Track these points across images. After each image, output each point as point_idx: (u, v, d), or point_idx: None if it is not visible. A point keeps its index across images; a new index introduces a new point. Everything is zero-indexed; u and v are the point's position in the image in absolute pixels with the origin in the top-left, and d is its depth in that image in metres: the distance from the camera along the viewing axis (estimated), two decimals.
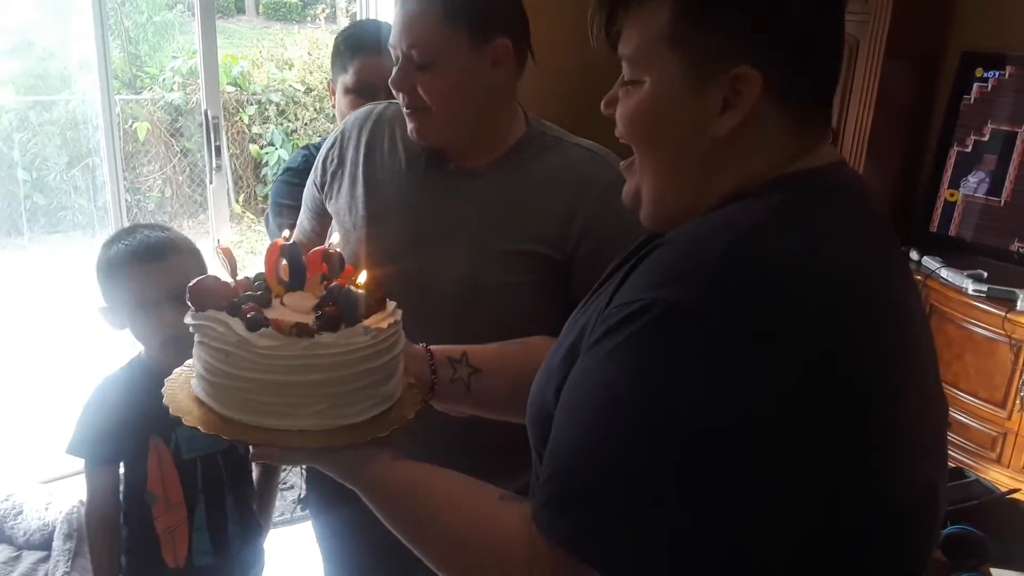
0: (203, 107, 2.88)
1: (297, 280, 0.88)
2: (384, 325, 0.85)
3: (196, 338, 0.86)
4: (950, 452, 2.68)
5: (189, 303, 0.85)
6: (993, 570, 1.47)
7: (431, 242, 1.22)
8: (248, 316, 0.81)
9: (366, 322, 0.84)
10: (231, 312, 0.82)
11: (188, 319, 0.86)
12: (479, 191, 1.23)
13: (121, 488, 1.51)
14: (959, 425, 2.70)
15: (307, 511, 1.58)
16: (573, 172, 1.22)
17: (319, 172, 1.37)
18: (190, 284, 0.86)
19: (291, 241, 0.89)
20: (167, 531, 1.49)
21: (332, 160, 1.34)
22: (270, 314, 0.83)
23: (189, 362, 0.91)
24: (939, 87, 3.08)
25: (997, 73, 2.89)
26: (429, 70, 1.17)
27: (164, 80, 6.27)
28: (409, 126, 1.23)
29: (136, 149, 5.89)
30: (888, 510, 0.67)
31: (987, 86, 2.91)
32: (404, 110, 1.23)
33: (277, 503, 2.52)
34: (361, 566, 1.47)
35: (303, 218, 1.47)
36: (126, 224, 2.91)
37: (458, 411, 1.09)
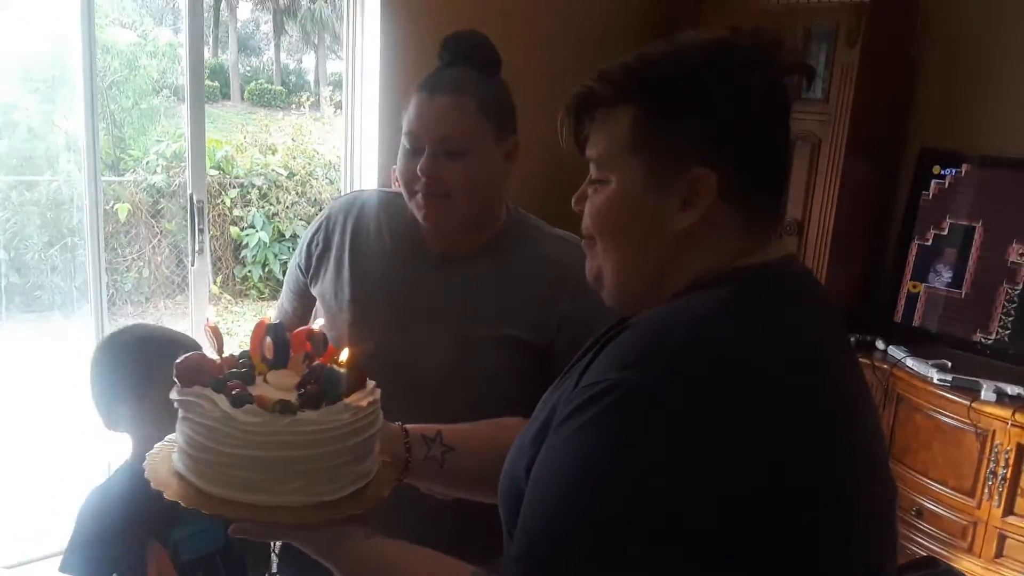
0: (188, 190, 2.93)
1: (281, 358, 0.91)
2: (364, 403, 0.88)
3: (180, 414, 0.88)
4: (922, 541, 2.69)
5: (175, 379, 0.88)
6: None
7: (415, 327, 1.26)
8: (233, 392, 0.84)
9: (347, 400, 0.87)
10: (216, 388, 0.85)
11: (173, 395, 0.88)
12: (462, 277, 1.28)
13: None
14: (930, 514, 2.71)
15: None
16: (552, 261, 1.28)
17: (303, 256, 1.41)
18: (177, 360, 0.89)
19: (276, 321, 0.92)
20: None
21: (317, 244, 1.38)
22: (254, 391, 0.85)
23: (171, 437, 0.92)
24: (899, 183, 3.21)
25: (954, 170, 3.02)
26: (460, 159, 1.22)
27: (148, 163, 6.37)
28: (421, 212, 1.26)
29: (116, 230, 5.93)
30: None
31: (944, 183, 3.04)
32: (417, 198, 1.26)
33: None
34: None
35: (284, 300, 1.49)
36: (104, 304, 2.92)
37: (432, 490, 1.10)
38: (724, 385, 0.67)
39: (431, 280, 1.29)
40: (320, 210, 1.47)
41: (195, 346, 1.47)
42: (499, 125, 1.25)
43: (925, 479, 2.71)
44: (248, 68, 14.48)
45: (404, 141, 1.27)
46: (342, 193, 1.55)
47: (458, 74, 1.25)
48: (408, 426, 1.08)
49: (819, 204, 3.01)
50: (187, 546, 1.47)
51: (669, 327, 0.73)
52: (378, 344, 1.12)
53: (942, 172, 3.05)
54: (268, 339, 0.91)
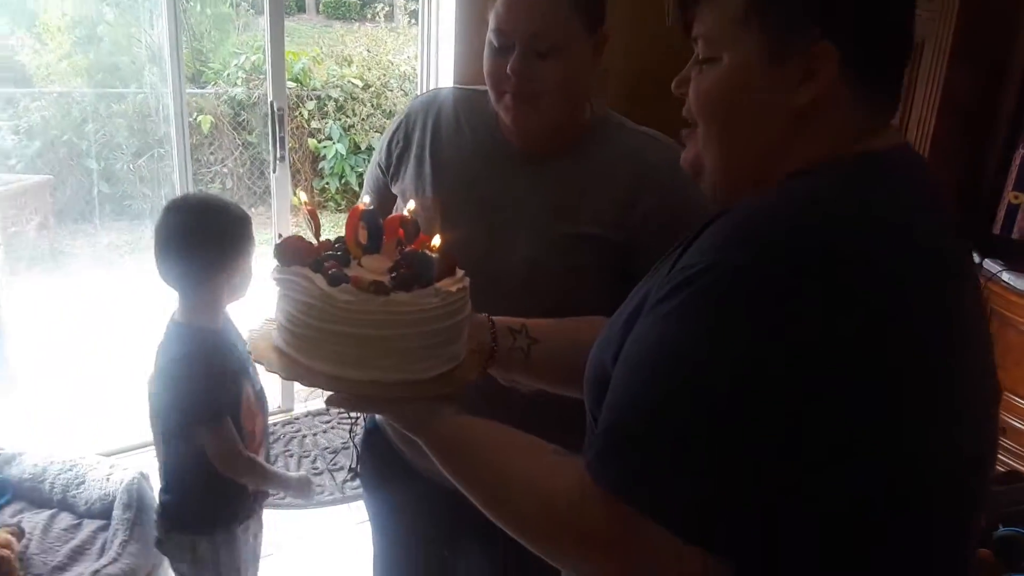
0: (269, 99, 2.96)
1: (374, 244, 0.94)
2: (453, 289, 0.90)
3: (279, 292, 0.91)
4: (1005, 458, 2.63)
5: (276, 258, 0.91)
6: None
7: (496, 223, 1.26)
8: (330, 272, 0.86)
9: (437, 284, 0.89)
10: (315, 268, 0.88)
11: (274, 273, 0.91)
12: (544, 176, 1.26)
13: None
14: (1014, 431, 2.64)
15: (359, 488, 1.63)
16: (636, 157, 1.25)
17: (384, 154, 1.41)
18: (277, 242, 0.92)
19: (371, 207, 0.94)
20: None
21: (398, 142, 1.38)
22: (350, 273, 0.88)
23: (269, 316, 0.96)
24: (1005, 88, 3.01)
25: None
26: (551, 57, 1.18)
27: (228, 75, 6.44)
28: (509, 114, 1.23)
29: (200, 141, 6.06)
30: (935, 473, 0.68)
31: None
32: (506, 99, 1.22)
33: (328, 482, 2.68)
34: (411, 540, 1.51)
35: (365, 198, 1.50)
36: None
37: (515, 382, 1.12)
38: (830, 272, 0.65)
39: (512, 177, 1.28)
40: None
41: (243, 215, 1.72)
42: (590, 18, 1.20)
43: (1015, 397, 2.63)
44: None
45: (491, 38, 1.22)
46: None
47: None
48: (495, 317, 1.09)
49: (919, 107, 2.86)
50: (255, 379, 1.77)
51: (773, 210, 0.70)
52: (458, 239, 1.12)
53: None
54: (362, 225, 0.93)
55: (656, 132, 1.29)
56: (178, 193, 2.98)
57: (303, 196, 1.00)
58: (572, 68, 1.20)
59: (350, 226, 0.94)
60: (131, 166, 5.32)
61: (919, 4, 2.50)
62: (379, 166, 1.43)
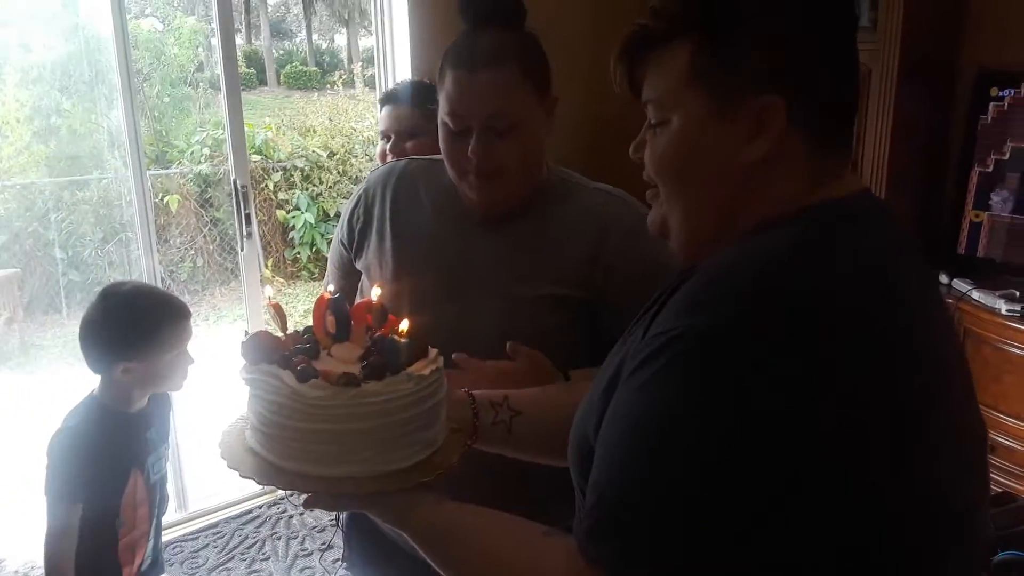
0: (232, 177, 2.95)
1: (343, 332, 0.92)
2: (427, 372, 0.88)
3: (249, 391, 0.89)
4: (995, 476, 2.62)
5: (243, 357, 0.89)
6: None
7: (464, 293, 1.24)
8: (298, 368, 0.85)
9: (409, 369, 0.87)
10: (282, 365, 0.86)
11: (242, 373, 0.89)
12: (504, 239, 1.25)
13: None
14: (1003, 448, 2.63)
15: (348, 571, 1.58)
16: (594, 214, 1.24)
17: (345, 231, 1.39)
18: (243, 340, 0.90)
19: (337, 295, 0.93)
20: (128, 548, 1.73)
21: (358, 218, 1.36)
22: (319, 365, 0.87)
23: (241, 414, 0.94)
24: (955, 108, 3.08)
25: (1012, 91, 2.88)
26: (511, 134, 1.18)
27: (192, 153, 6.47)
28: (475, 193, 1.23)
29: (168, 221, 6.05)
30: (925, 534, 0.66)
31: (1003, 104, 2.91)
32: (469, 179, 1.22)
33: (317, 563, 2.65)
34: None
35: (329, 279, 1.48)
36: None
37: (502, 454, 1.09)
38: (798, 330, 0.64)
39: (474, 244, 1.27)
40: None
41: (182, 306, 1.77)
42: (540, 86, 1.20)
43: (997, 413, 2.63)
44: (282, 52, 14.55)
45: (446, 120, 1.21)
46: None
47: (493, 40, 1.18)
48: (475, 392, 1.07)
49: (872, 136, 2.91)
50: (155, 469, 1.80)
51: (739, 270, 0.70)
52: (428, 312, 1.11)
53: (1000, 93, 2.91)
54: (330, 314, 0.92)
55: (612, 188, 1.29)
56: (147, 277, 2.95)
57: (268, 291, 1.00)
58: (530, 140, 1.20)
59: (317, 316, 0.93)
60: (99, 252, 5.28)
61: (862, 38, 2.55)
62: (342, 243, 1.41)
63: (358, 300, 1.04)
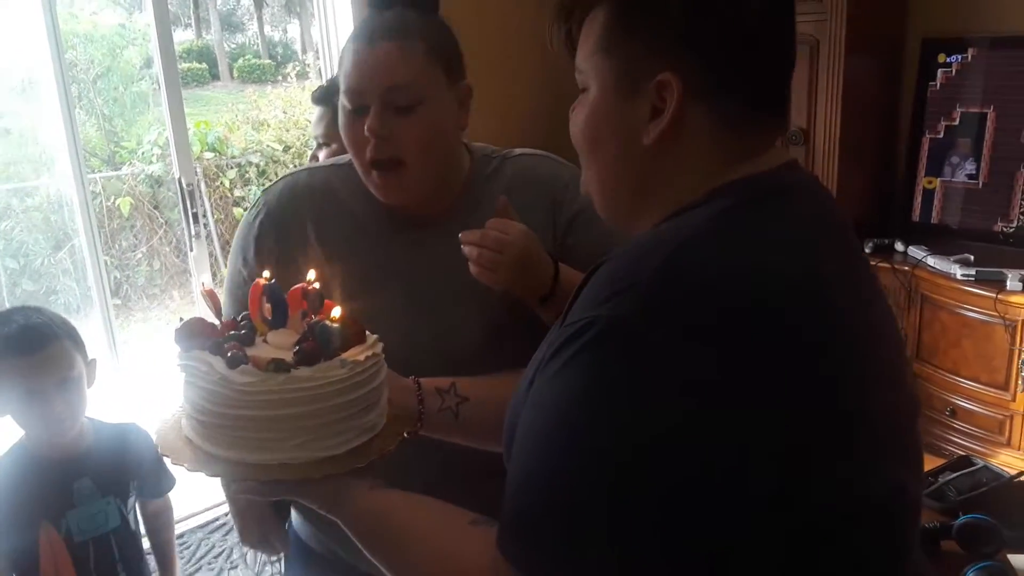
0: (177, 176, 2.88)
1: (279, 318, 0.91)
2: (362, 357, 0.87)
3: (184, 378, 0.88)
4: (956, 440, 2.65)
5: (176, 344, 0.88)
6: (1010, 556, 1.44)
7: (431, 305, 1.14)
8: (229, 355, 0.84)
9: (345, 355, 0.86)
10: (213, 351, 0.85)
11: (177, 360, 0.88)
12: (446, 240, 1.14)
13: None
14: (963, 412, 2.67)
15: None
16: (532, 180, 1.20)
17: (254, 262, 1.19)
18: (177, 326, 0.89)
19: (272, 281, 0.91)
20: None
21: (268, 250, 1.18)
22: (252, 352, 0.86)
23: (179, 404, 0.93)
24: (903, 77, 3.10)
25: (959, 57, 2.90)
26: (413, 112, 1.08)
27: (143, 153, 6.33)
28: (375, 185, 1.13)
29: (121, 225, 5.92)
30: (847, 511, 0.65)
31: (951, 71, 2.93)
32: (368, 169, 1.11)
33: (268, 572, 2.48)
34: None
35: (230, 312, 1.22)
36: (108, 302, 2.91)
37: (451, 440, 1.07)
38: (703, 313, 0.62)
39: (425, 249, 1.17)
40: None
41: (64, 329, 1.47)
42: (449, 69, 1.12)
43: (956, 378, 2.66)
44: (234, 45, 14.29)
45: (344, 101, 1.11)
46: None
47: (397, 16, 1.10)
48: (422, 379, 1.05)
49: (823, 109, 2.92)
50: (81, 527, 1.51)
51: (644, 257, 0.68)
52: (393, 332, 0.99)
53: (947, 60, 2.94)
54: (266, 300, 0.91)
55: (537, 151, 1.25)
56: (95, 284, 2.88)
57: (204, 279, 0.97)
58: (436, 121, 1.10)
59: (253, 302, 0.91)
60: (51, 260, 5.15)
61: (808, 9, 2.54)
62: (245, 278, 1.20)
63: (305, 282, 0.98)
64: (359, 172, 1.14)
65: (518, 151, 1.25)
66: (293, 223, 1.17)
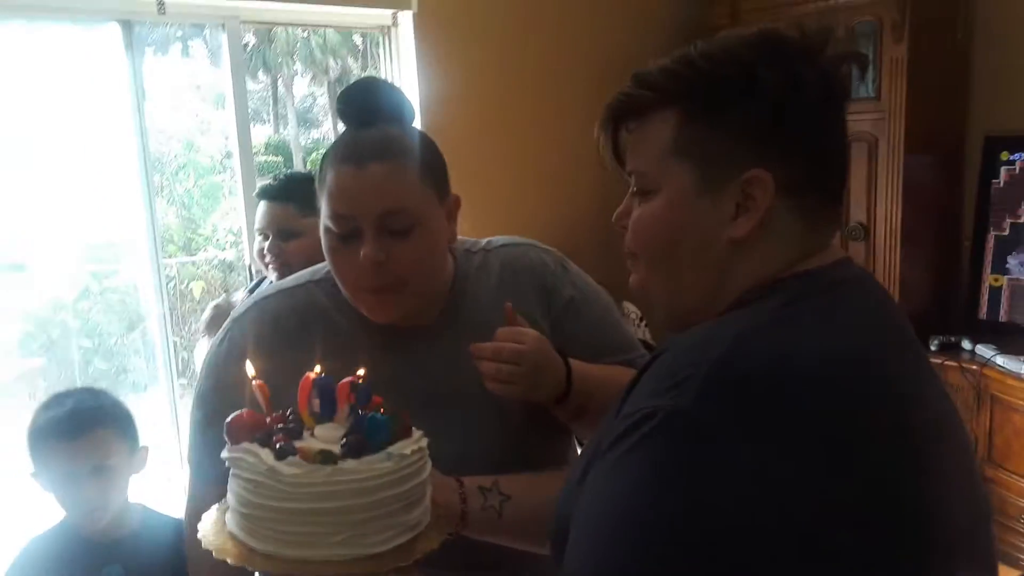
0: (246, 262, 3.00)
1: (328, 412, 0.91)
2: (408, 451, 0.86)
3: (231, 471, 0.88)
4: None
5: (225, 437, 0.88)
6: None
7: (444, 417, 1.05)
8: (277, 446, 0.84)
9: (390, 448, 0.85)
10: (262, 443, 0.85)
11: (224, 453, 0.89)
12: (453, 342, 1.10)
13: None
14: None
15: None
16: (521, 269, 1.17)
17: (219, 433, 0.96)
18: (227, 419, 0.89)
19: (323, 375, 0.92)
20: None
21: (243, 393, 1.01)
22: (300, 444, 0.86)
23: (227, 498, 0.92)
24: (965, 174, 3.07)
25: (1022, 155, 2.87)
26: (410, 234, 1.03)
27: (217, 240, 6.61)
28: (368, 307, 1.08)
29: (192, 307, 6.14)
30: None
31: (1015, 168, 2.90)
32: (364, 296, 1.07)
33: None
34: None
35: (203, 489, 1.10)
36: (175, 382, 3.00)
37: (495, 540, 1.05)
38: (762, 408, 0.62)
39: (426, 357, 1.12)
40: None
41: (114, 415, 1.47)
42: (438, 184, 1.08)
43: None
44: (309, 141, 14.96)
45: (330, 224, 1.04)
46: None
47: (381, 134, 1.05)
48: (464, 478, 1.04)
49: (883, 205, 2.90)
50: None
51: (707, 346, 0.68)
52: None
53: (1011, 158, 2.91)
54: (315, 394, 0.91)
55: (514, 239, 1.22)
56: (163, 365, 2.98)
57: (250, 370, 0.95)
58: (432, 244, 1.06)
59: (302, 396, 0.91)
60: (125, 340, 5.36)
61: (866, 108, 2.57)
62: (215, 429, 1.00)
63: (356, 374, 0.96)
64: (345, 293, 1.09)
65: (499, 241, 1.21)
66: (268, 354, 1.05)
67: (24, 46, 4.71)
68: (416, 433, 0.90)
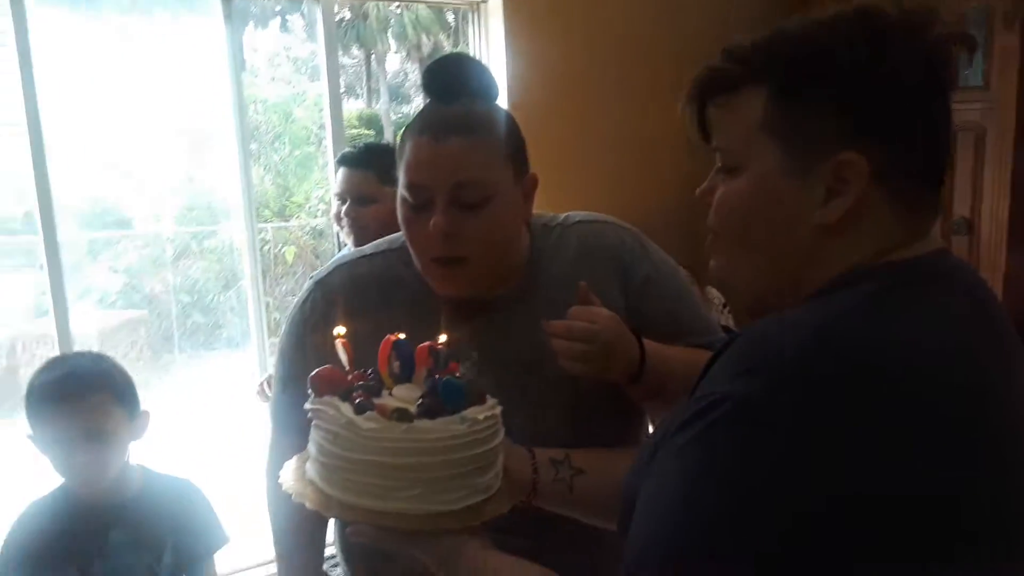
0: (335, 229, 3.09)
1: (407, 373, 0.94)
2: (481, 416, 0.88)
3: (313, 422, 0.92)
4: None
5: (309, 389, 0.93)
6: None
7: (508, 387, 1.02)
8: (356, 401, 0.88)
9: (464, 412, 0.88)
10: (343, 398, 0.89)
11: (307, 404, 0.93)
12: (528, 317, 1.09)
13: None
14: None
15: None
16: (598, 247, 1.16)
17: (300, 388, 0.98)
18: (312, 373, 0.93)
19: (402, 338, 0.95)
20: None
21: (320, 353, 1.04)
22: (378, 401, 0.89)
23: (308, 448, 0.96)
24: None
25: None
26: (481, 209, 1.04)
27: (310, 208, 6.81)
28: (435, 278, 1.09)
29: (284, 271, 6.36)
30: None
31: None
32: (429, 262, 1.08)
33: None
34: None
35: (283, 443, 1.16)
36: (265, 340, 3.13)
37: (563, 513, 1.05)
38: (845, 398, 0.60)
39: (500, 335, 1.12)
40: None
41: (111, 381, 1.46)
42: (516, 162, 1.08)
43: None
44: (400, 115, 15.16)
45: (405, 194, 1.07)
46: None
47: (464, 109, 1.06)
48: (536, 449, 1.04)
49: (990, 199, 2.77)
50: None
51: (784, 335, 0.66)
52: None
53: None
54: (395, 356, 0.94)
55: (591, 214, 1.21)
56: (254, 324, 3.10)
57: (339, 329, 0.97)
58: (504, 220, 1.06)
59: (383, 356, 0.94)
60: (221, 297, 5.60)
61: (975, 97, 2.44)
62: (293, 402, 1.04)
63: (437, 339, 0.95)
64: (417, 262, 1.11)
65: (577, 216, 1.20)
66: (350, 312, 1.09)
67: (131, 20, 4.93)
68: (490, 400, 0.92)
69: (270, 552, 1.29)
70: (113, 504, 1.49)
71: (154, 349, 5.62)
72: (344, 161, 2.08)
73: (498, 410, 0.91)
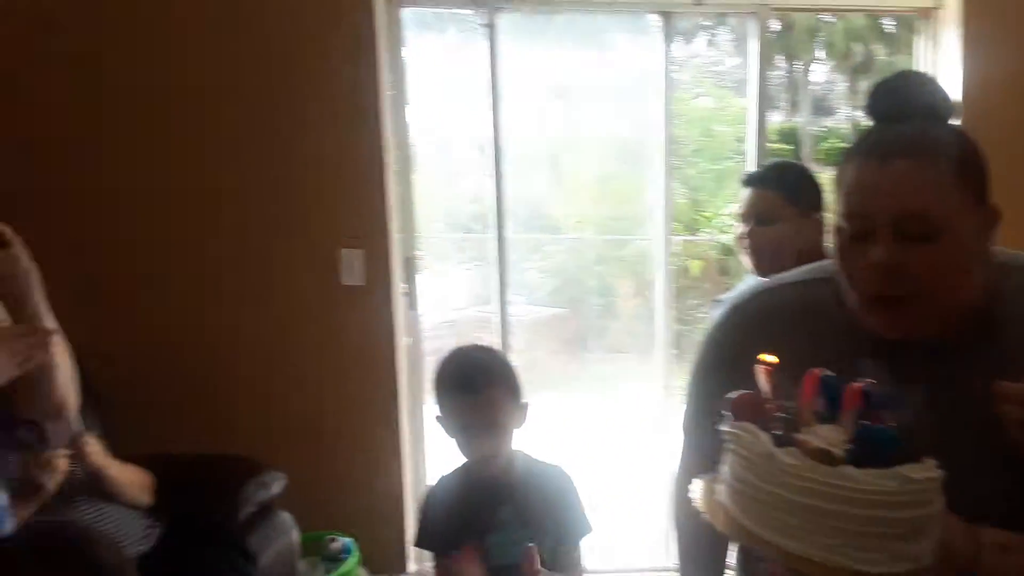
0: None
1: (831, 412, 0.90)
2: (917, 476, 0.83)
3: (728, 444, 0.93)
4: None
5: (730, 412, 0.93)
6: None
7: (940, 446, 0.90)
8: (776, 433, 0.87)
9: (898, 468, 0.82)
10: (761, 426, 0.89)
11: (724, 426, 0.93)
12: (973, 371, 0.99)
13: None
14: None
15: None
16: None
17: (710, 409, 1.02)
18: (734, 396, 0.93)
19: (830, 374, 0.90)
20: None
21: (735, 376, 1.02)
22: (799, 437, 0.87)
23: (721, 469, 0.96)
24: None
25: None
26: (930, 243, 0.95)
27: (720, 222, 6.85)
28: (874, 320, 1.01)
29: (688, 284, 6.49)
30: None
31: None
32: (867, 301, 1.01)
33: None
34: None
35: (690, 460, 1.21)
36: (671, 352, 3.26)
37: None
38: None
39: (922, 382, 1.00)
40: None
41: (503, 374, 1.67)
42: (974, 190, 0.98)
43: None
44: (823, 128, 14.43)
45: (843, 223, 1.00)
46: None
47: (914, 129, 0.97)
48: (985, 528, 0.95)
49: None
50: (499, 552, 1.65)
51: None
52: None
53: None
54: (820, 393, 0.91)
55: None
56: (660, 334, 3.25)
57: (769, 357, 0.94)
58: (957, 254, 0.96)
59: (807, 391, 0.90)
60: (627, 305, 5.93)
61: None
62: (709, 425, 1.05)
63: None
64: (849, 297, 1.04)
65: None
66: (770, 339, 1.02)
67: (583, 47, 5.41)
68: (927, 461, 0.85)
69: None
70: (504, 484, 1.71)
71: (571, 346, 6.15)
72: (749, 181, 2.11)
73: (937, 473, 0.84)
